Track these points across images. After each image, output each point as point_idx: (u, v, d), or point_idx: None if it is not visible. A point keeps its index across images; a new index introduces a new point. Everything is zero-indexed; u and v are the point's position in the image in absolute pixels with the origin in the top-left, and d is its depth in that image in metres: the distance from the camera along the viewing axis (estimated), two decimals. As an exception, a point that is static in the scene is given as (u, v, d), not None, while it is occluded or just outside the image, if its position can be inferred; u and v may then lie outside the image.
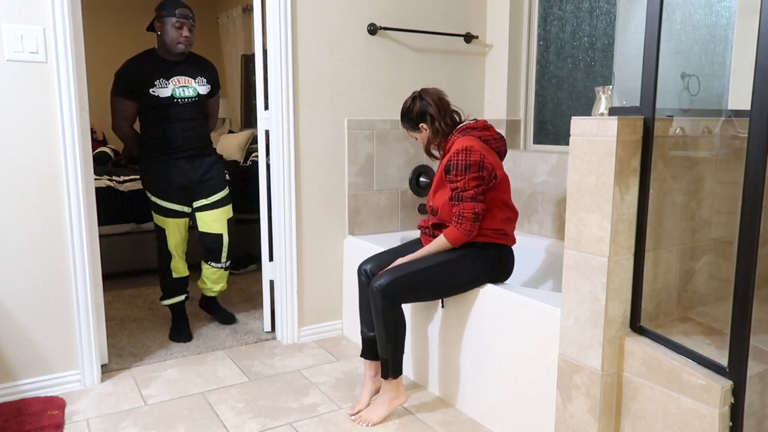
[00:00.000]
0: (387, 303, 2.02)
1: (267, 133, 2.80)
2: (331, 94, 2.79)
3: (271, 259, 2.88)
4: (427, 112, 2.15)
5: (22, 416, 2.10)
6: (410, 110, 2.19)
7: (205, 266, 2.99)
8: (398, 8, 2.89)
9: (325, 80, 2.76)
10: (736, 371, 1.42)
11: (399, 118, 2.26)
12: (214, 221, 2.89)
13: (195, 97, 2.75)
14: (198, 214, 2.87)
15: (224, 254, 2.95)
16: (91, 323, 2.34)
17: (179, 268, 2.88)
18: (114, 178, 3.90)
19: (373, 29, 2.82)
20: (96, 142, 4.85)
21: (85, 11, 2.50)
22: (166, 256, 2.85)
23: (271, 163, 2.78)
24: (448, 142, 2.15)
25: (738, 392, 1.42)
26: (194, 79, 2.74)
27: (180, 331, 2.87)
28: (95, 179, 2.98)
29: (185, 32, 2.63)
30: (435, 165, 3.05)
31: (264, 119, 2.77)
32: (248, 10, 5.18)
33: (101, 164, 4.52)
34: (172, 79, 2.69)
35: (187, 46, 2.67)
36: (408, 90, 2.97)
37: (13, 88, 2.12)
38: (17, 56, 2.11)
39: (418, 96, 2.18)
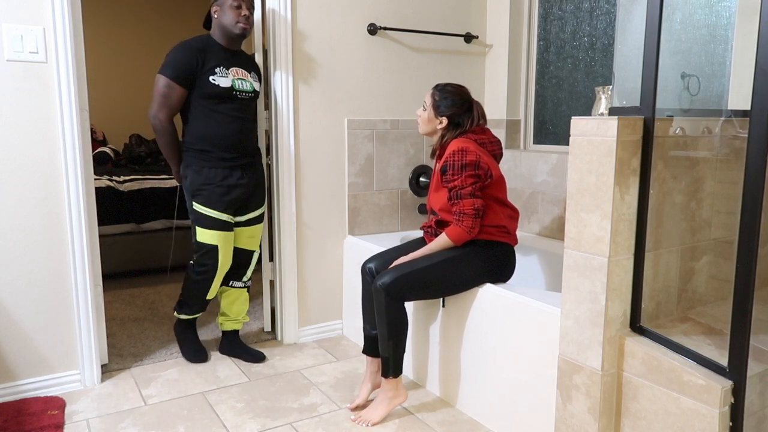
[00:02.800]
0: (390, 301, 2.02)
1: (267, 133, 2.80)
2: (331, 94, 2.79)
3: (271, 259, 2.88)
4: (461, 121, 2.13)
5: (22, 416, 2.10)
6: (455, 102, 2.13)
7: (224, 291, 2.66)
8: (398, 8, 2.89)
9: (325, 80, 2.76)
10: (736, 371, 1.42)
11: (431, 90, 2.17)
12: (250, 237, 2.60)
13: (252, 93, 2.46)
14: (235, 229, 2.56)
15: (249, 271, 2.66)
16: (91, 323, 2.34)
17: (215, 289, 2.55)
18: (114, 178, 3.90)
19: (373, 29, 2.82)
20: (96, 142, 4.85)
21: (85, 11, 2.49)
22: (209, 276, 2.48)
23: (271, 163, 2.78)
24: (446, 142, 2.15)
25: (738, 392, 1.42)
26: (249, 73, 2.48)
27: (198, 351, 2.61)
28: (95, 179, 2.97)
29: (244, 11, 2.34)
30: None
31: (264, 119, 2.77)
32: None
33: (101, 164, 4.53)
34: (231, 69, 2.39)
35: (247, 28, 2.37)
36: (408, 90, 2.97)
37: (13, 88, 2.12)
38: (17, 56, 2.11)
39: (472, 104, 2.15)
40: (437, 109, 2.15)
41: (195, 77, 2.34)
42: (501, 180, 2.15)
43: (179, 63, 2.32)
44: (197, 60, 2.33)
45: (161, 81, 2.33)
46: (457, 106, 2.13)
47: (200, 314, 2.64)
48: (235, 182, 2.44)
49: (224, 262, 2.49)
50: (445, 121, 2.14)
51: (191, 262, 2.52)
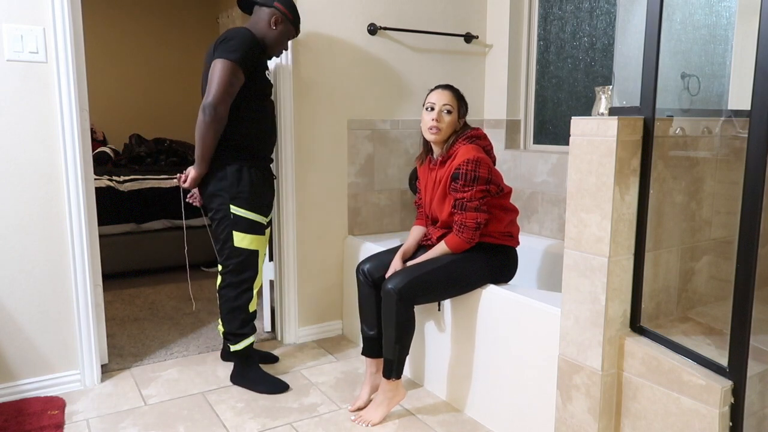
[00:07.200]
0: (401, 304, 2.01)
1: (267, 133, 2.80)
2: (331, 94, 2.79)
3: (271, 259, 2.88)
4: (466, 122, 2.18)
5: (22, 416, 2.10)
6: (466, 103, 2.18)
7: None
8: (398, 8, 2.89)
9: (325, 80, 2.76)
10: (736, 371, 1.42)
11: (448, 92, 2.12)
12: (267, 243, 2.51)
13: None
14: None
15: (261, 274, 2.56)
16: (91, 323, 2.34)
17: (256, 298, 2.37)
18: (114, 178, 3.90)
19: (373, 29, 2.82)
20: (96, 142, 4.85)
21: (85, 11, 2.49)
22: (249, 286, 2.30)
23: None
24: (453, 146, 2.11)
25: (738, 392, 1.42)
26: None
27: (274, 381, 2.35)
28: (95, 179, 2.97)
29: (286, 46, 2.40)
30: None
31: (264, 119, 2.77)
32: (248, 10, 5.18)
33: (101, 164, 4.53)
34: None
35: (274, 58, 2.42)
36: (408, 90, 2.97)
37: (13, 88, 2.12)
38: (17, 56, 2.11)
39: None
40: (461, 111, 2.15)
41: (254, 70, 2.16)
42: (509, 192, 2.17)
43: (247, 51, 2.10)
44: (260, 52, 2.19)
45: (229, 67, 2.04)
46: (467, 106, 2.17)
47: (254, 338, 2.39)
48: (271, 183, 2.40)
49: (261, 268, 2.39)
50: (462, 122, 2.15)
51: (222, 276, 2.32)
